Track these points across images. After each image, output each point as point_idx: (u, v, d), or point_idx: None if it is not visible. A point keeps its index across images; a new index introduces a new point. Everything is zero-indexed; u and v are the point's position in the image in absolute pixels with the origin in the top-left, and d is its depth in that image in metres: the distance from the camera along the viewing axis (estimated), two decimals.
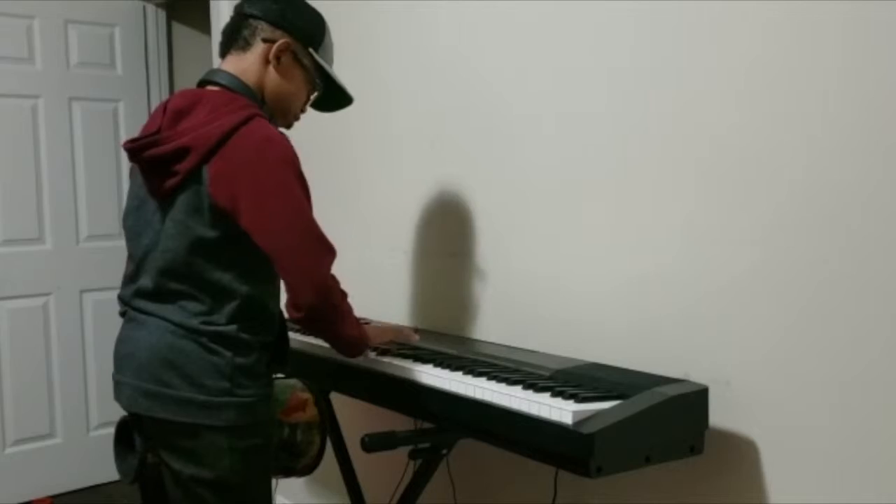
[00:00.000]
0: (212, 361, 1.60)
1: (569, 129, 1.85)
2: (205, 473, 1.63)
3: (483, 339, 2.06)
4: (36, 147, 3.48)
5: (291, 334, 2.22)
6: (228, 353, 1.61)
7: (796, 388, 1.45)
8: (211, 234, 1.58)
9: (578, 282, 1.85)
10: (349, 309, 1.73)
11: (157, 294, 1.65)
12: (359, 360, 1.90)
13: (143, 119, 3.64)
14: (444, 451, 1.78)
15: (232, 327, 1.62)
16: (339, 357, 1.96)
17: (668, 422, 1.45)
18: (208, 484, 1.63)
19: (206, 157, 1.57)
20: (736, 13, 1.52)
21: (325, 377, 2.11)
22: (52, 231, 3.53)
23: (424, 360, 1.79)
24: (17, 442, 3.47)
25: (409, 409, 1.83)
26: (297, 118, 1.83)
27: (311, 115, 2.81)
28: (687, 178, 1.62)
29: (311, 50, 1.75)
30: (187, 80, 3.93)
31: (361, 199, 2.56)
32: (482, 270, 2.11)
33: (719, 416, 1.55)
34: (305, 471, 1.90)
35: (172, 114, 1.63)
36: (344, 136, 2.64)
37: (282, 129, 1.74)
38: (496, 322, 2.06)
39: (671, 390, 1.48)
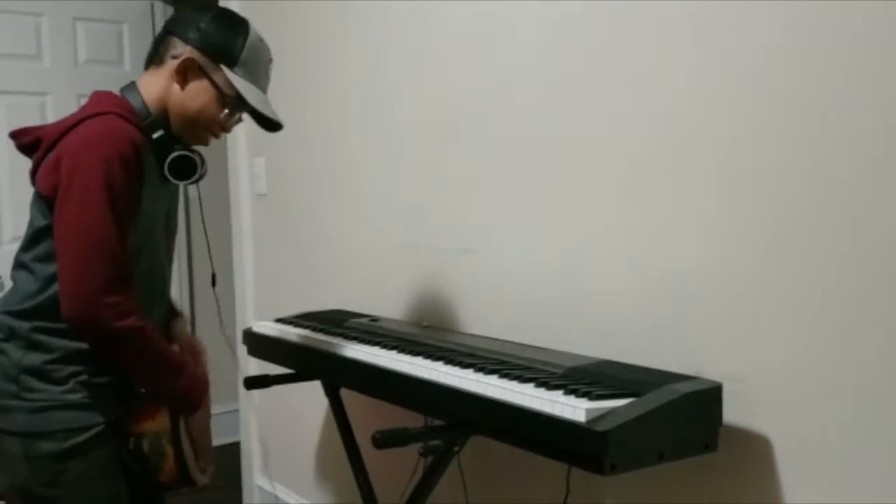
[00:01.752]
0: None
1: (584, 126, 1.84)
2: (9, 482, 1.58)
3: (494, 336, 2.05)
4: None
5: (300, 331, 2.21)
6: (17, 354, 1.58)
7: (810, 385, 1.44)
8: (42, 223, 1.60)
9: (591, 279, 1.84)
10: (145, 345, 1.59)
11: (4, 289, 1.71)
12: (367, 358, 1.89)
13: None
14: (456, 449, 1.77)
15: (27, 324, 1.59)
16: (349, 353, 1.96)
17: (681, 419, 1.44)
18: (18, 494, 1.59)
19: (50, 148, 1.61)
20: (743, 11, 1.50)
21: (334, 373, 2.10)
22: None
23: (435, 358, 1.78)
24: None
25: (420, 406, 1.83)
26: (215, 135, 1.74)
27: (310, 108, 2.79)
28: (702, 174, 1.60)
29: (222, 66, 1.66)
30: None
31: (369, 194, 2.56)
32: (493, 267, 2.10)
33: (733, 413, 1.54)
34: (173, 485, 1.71)
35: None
36: (344, 134, 2.64)
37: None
38: (507, 319, 2.05)
39: (684, 387, 1.46)
